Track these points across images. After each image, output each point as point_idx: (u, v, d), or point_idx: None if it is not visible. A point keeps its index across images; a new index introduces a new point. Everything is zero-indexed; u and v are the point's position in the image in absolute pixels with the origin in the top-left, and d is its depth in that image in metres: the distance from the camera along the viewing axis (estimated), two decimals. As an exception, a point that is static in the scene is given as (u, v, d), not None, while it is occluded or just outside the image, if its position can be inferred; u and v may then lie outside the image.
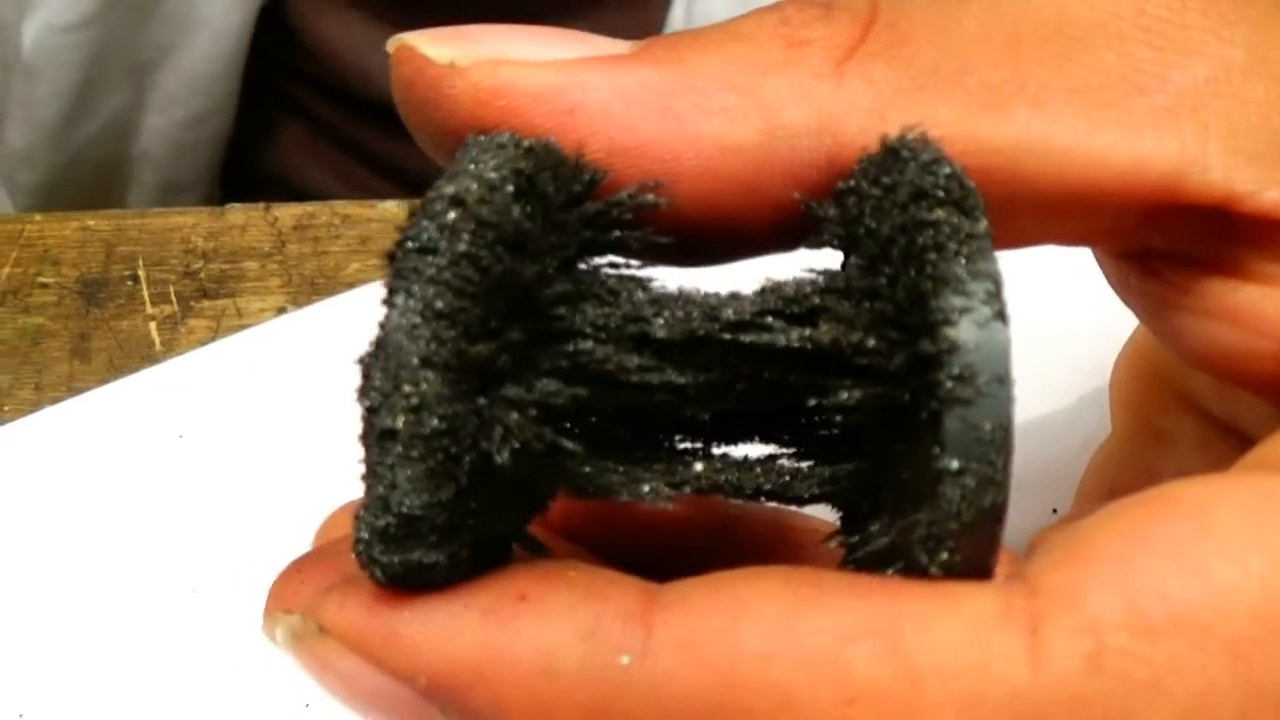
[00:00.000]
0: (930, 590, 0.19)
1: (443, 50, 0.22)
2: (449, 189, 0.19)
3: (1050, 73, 0.21)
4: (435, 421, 0.18)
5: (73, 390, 0.41)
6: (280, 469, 0.38)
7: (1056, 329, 0.40)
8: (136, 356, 0.43)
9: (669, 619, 0.19)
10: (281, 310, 0.44)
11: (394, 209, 0.47)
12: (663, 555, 0.25)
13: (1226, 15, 0.22)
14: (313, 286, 0.45)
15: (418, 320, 0.18)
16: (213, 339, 0.43)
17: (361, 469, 0.19)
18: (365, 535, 0.19)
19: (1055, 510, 0.36)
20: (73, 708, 0.34)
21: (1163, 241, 0.23)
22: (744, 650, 0.18)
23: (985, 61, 0.21)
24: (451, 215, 0.19)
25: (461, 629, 0.19)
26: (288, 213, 0.47)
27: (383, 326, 0.19)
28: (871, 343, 0.20)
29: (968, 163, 0.20)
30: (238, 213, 0.47)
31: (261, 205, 0.47)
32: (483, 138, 0.20)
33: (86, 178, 0.67)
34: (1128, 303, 0.25)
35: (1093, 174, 0.21)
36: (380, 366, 0.19)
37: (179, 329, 0.43)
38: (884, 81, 0.21)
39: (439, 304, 0.18)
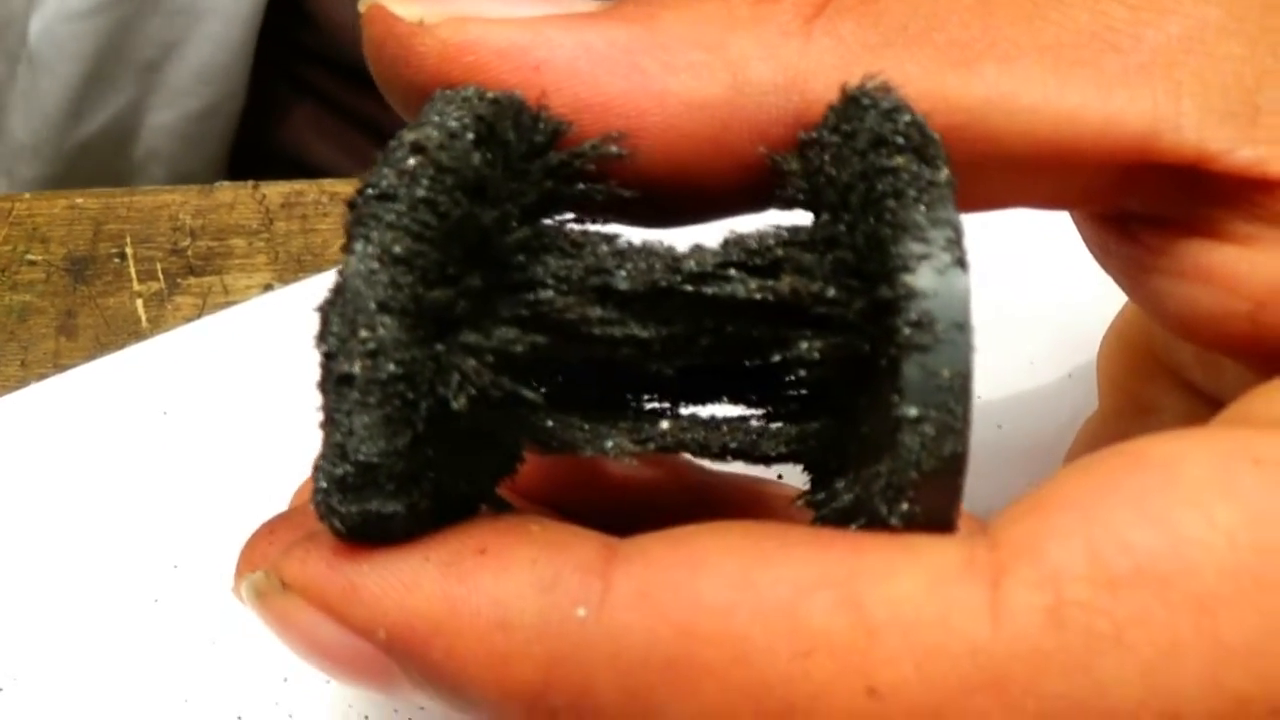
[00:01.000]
0: (891, 542, 0.19)
1: (411, 8, 0.22)
2: (410, 136, 0.19)
3: (1021, 30, 0.21)
4: (391, 366, 0.18)
5: (59, 367, 0.41)
6: (264, 445, 0.38)
7: (1044, 304, 0.40)
8: (123, 334, 0.42)
9: (628, 571, 0.19)
10: (268, 288, 0.43)
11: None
12: (635, 523, 0.25)
13: None
14: (299, 264, 0.44)
15: (375, 265, 0.18)
16: (199, 316, 0.43)
17: (319, 417, 0.19)
18: (324, 484, 0.19)
19: (1039, 487, 0.36)
20: (57, 678, 0.34)
21: (1138, 203, 0.23)
22: (701, 602, 0.18)
23: (955, 19, 0.21)
24: (411, 161, 0.19)
25: (420, 581, 0.19)
26: (275, 190, 0.46)
27: (341, 273, 0.19)
28: (831, 292, 0.20)
29: (936, 120, 0.20)
30: (226, 190, 0.47)
31: (250, 183, 0.47)
32: (448, 91, 0.20)
33: (90, 174, 0.67)
34: (1107, 269, 0.25)
35: (1063, 132, 0.21)
36: (338, 312, 0.19)
37: (166, 306, 0.43)
38: (852, 38, 0.21)
39: (397, 249, 0.19)
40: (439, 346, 0.19)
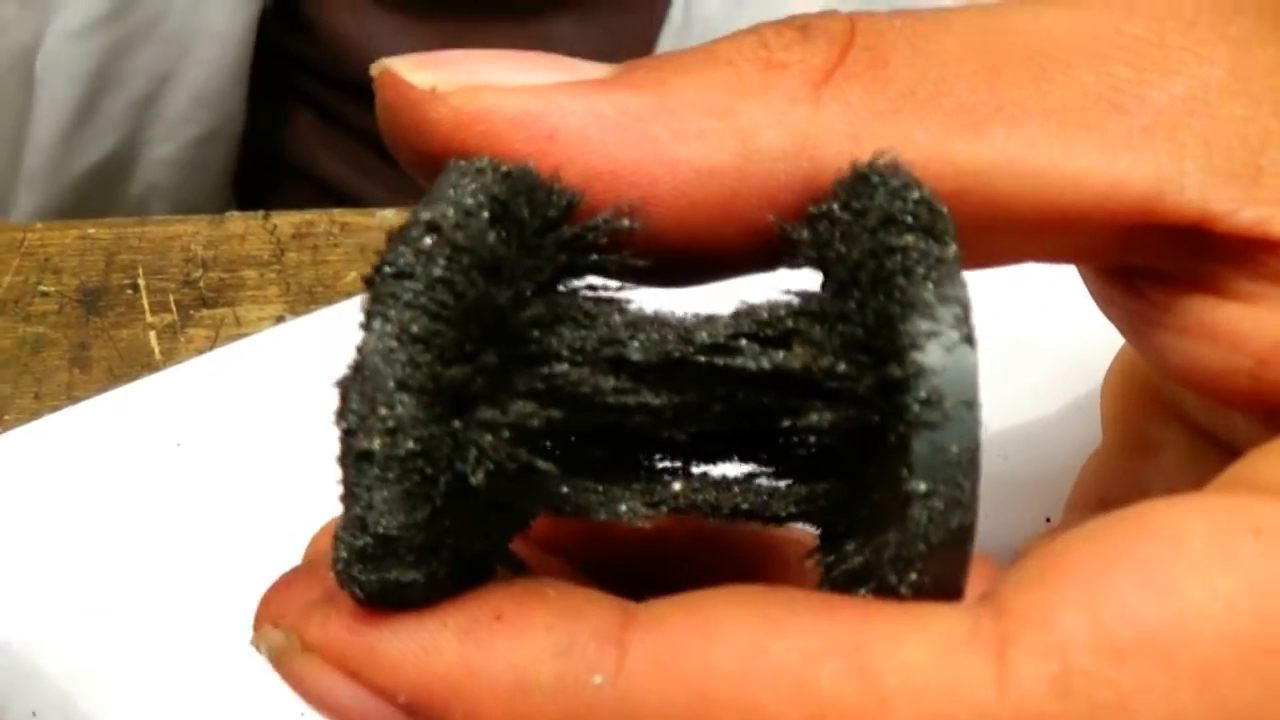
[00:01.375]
0: (899, 611, 0.19)
1: (424, 75, 0.22)
2: (425, 215, 0.20)
3: (1027, 93, 0.21)
4: (410, 444, 0.19)
5: (72, 399, 0.41)
6: (277, 478, 0.38)
7: (1051, 338, 0.40)
8: (136, 365, 0.43)
9: (643, 638, 0.19)
10: (280, 319, 0.44)
11: (392, 217, 0.47)
12: (649, 569, 0.25)
13: (1206, 35, 0.22)
14: (311, 295, 0.45)
15: (394, 344, 0.19)
16: (212, 348, 0.43)
17: (340, 490, 0.19)
18: (344, 554, 0.19)
19: (1049, 519, 0.37)
20: (75, 711, 0.34)
21: (1142, 259, 0.23)
22: (715, 669, 0.19)
23: (962, 83, 0.21)
24: (427, 241, 0.19)
25: (440, 647, 0.19)
26: (286, 221, 0.47)
27: (360, 350, 0.19)
28: (841, 367, 0.20)
29: (944, 184, 0.20)
30: (237, 221, 0.47)
31: (260, 213, 0.47)
32: (462, 163, 0.21)
33: (91, 209, 0.67)
34: (1111, 318, 0.25)
35: (1069, 195, 0.21)
36: (357, 389, 0.19)
37: (178, 338, 0.44)
38: (860, 104, 0.21)
39: (414, 328, 0.19)
40: (456, 423, 0.19)
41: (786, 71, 0.22)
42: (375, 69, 0.23)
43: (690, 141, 0.21)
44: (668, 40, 0.62)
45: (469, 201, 0.20)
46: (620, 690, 0.19)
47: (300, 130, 0.71)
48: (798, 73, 0.22)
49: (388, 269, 0.19)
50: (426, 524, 0.19)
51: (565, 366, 0.20)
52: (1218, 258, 0.22)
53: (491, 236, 0.20)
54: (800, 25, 0.22)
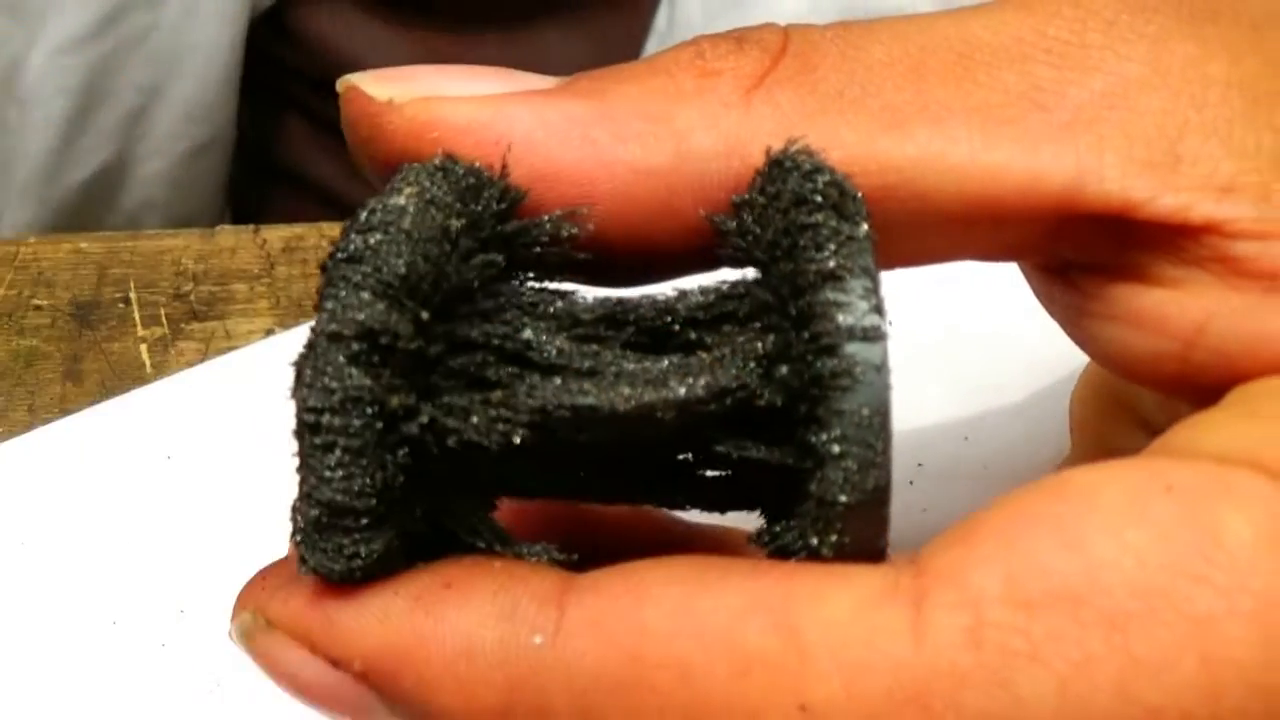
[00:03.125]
0: (822, 570, 0.20)
1: (381, 88, 0.23)
2: (375, 204, 0.21)
3: (951, 93, 0.22)
4: (357, 419, 0.20)
5: (65, 411, 0.42)
6: (267, 490, 0.38)
7: (1021, 345, 0.40)
8: (128, 379, 0.43)
9: (580, 600, 0.20)
10: (270, 332, 0.44)
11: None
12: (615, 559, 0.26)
13: (1125, 34, 0.23)
14: (300, 308, 0.45)
15: (341, 323, 0.20)
16: (202, 360, 0.43)
17: (296, 464, 0.21)
18: (299, 524, 0.21)
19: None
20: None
21: (1072, 251, 0.24)
22: (646, 628, 0.20)
23: (889, 85, 0.22)
24: (375, 231, 0.21)
25: (391, 615, 0.21)
26: (276, 235, 0.47)
27: (314, 330, 0.20)
28: (762, 346, 0.21)
29: (870, 181, 0.22)
30: (227, 235, 0.47)
31: (251, 227, 0.48)
32: (416, 164, 0.22)
33: (83, 224, 0.68)
34: (1053, 315, 0.26)
35: (989, 189, 0.22)
36: (310, 365, 0.20)
37: (169, 351, 0.44)
38: (789, 107, 0.22)
39: (362, 310, 0.20)
40: (403, 397, 0.20)
41: (720, 78, 0.23)
42: (341, 84, 0.24)
43: (628, 143, 0.22)
44: (652, 48, 0.63)
45: (416, 191, 0.21)
46: (558, 650, 0.20)
47: (292, 136, 0.72)
48: (730, 79, 0.23)
49: (339, 254, 0.21)
50: (377, 494, 0.20)
51: (492, 359, 0.21)
52: (1141, 245, 0.22)
53: (436, 222, 0.21)
54: (736, 36, 0.23)
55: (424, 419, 0.20)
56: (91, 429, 0.40)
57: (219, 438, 0.40)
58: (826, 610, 0.19)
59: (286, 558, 0.24)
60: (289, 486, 0.21)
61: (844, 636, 0.19)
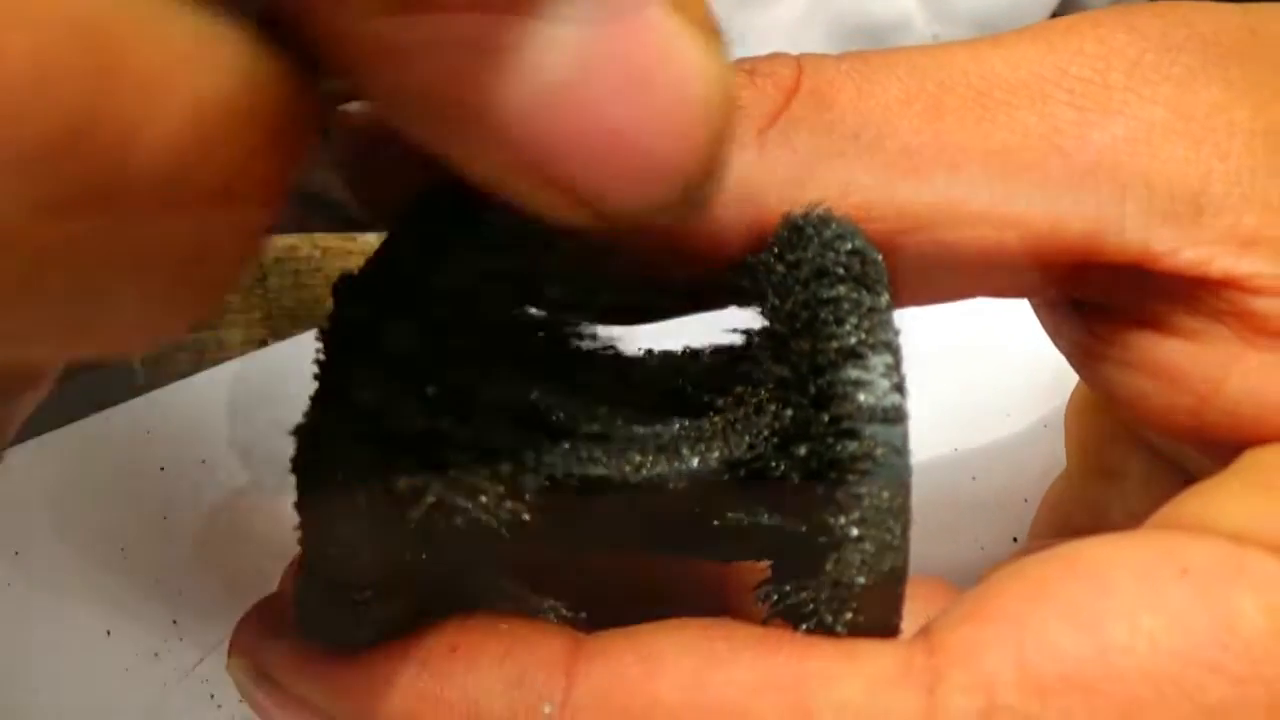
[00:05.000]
0: (835, 648, 0.20)
1: None
2: (380, 268, 0.21)
3: (970, 135, 0.22)
4: (364, 501, 0.19)
5: (59, 423, 0.42)
6: (261, 500, 0.38)
7: (1019, 354, 0.40)
8: (120, 389, 0.43)
9: (589, 670, 0.20)
10: (263, 342, 0.44)
11: (373, 240, 0.47)
12: (621, 602, 0.26)
13: (1149, 75, 0.22)
14: (293, 318, 0.45)
15: (342, 413, 0.20)
16: (195, 371, 0.43)
17: (298, 535, 0.20)
18: (303, 599, 0.21)
19: (1015, 539, 0.37)
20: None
21: (1089, 295, 0.23)
22: (658, 701, 0.19)
23: (906, 125, 0.22)
24: (383, 304, 0.20)
25: (400, 679, 0.20)
26: (268, 246, 0.47)
27: (316, 399, 0.20)
28: (777, 419, 0.21)
29: (887, 227, 0.21)
30: (220, 246, 0.48)
31: (243, 239, 0.48)
32: (420, 210, 0.21)
33: None
34: (1060, 349, 0.25)
35: (1009, 236, 0.21)
36: (314, 440, 0.20)
37: (162, 361, 0.44)
38: (805, 148, 0.22)
39: (362, 395, 0.19)
40: (414, 479, 0.20)
41: None
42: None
43: None
44: None
45: (428, 260, 0.20)
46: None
47: None
48: (743, 118, 0.22)
49: (343, 321, 0.20)
50: (383, 572, 0.20)
51: (499, 424, 0.21)
52: (1159, 295, 0.22)
53: (445, 286, 0.20)
54: (747, 69, 0.22)
55: (431, 499, 0.20)
56: (85, 440, 0.40)
57: (212, 449, 0.40)
58: (840, 691, 0.19)
59: (278, 595, 0.24)
60: (284, 497, 0.21)
61: (858, 719, 0.19)
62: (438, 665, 0.20)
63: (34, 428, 0.42)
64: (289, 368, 0.42)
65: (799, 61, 0.23)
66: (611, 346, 0.22)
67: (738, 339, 0.22)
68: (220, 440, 0.40)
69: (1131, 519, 0.22)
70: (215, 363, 0.43)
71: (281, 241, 0.48)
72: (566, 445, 0.21)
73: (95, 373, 0.44)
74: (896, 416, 0.19)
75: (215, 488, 0.39)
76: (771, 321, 0.21)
